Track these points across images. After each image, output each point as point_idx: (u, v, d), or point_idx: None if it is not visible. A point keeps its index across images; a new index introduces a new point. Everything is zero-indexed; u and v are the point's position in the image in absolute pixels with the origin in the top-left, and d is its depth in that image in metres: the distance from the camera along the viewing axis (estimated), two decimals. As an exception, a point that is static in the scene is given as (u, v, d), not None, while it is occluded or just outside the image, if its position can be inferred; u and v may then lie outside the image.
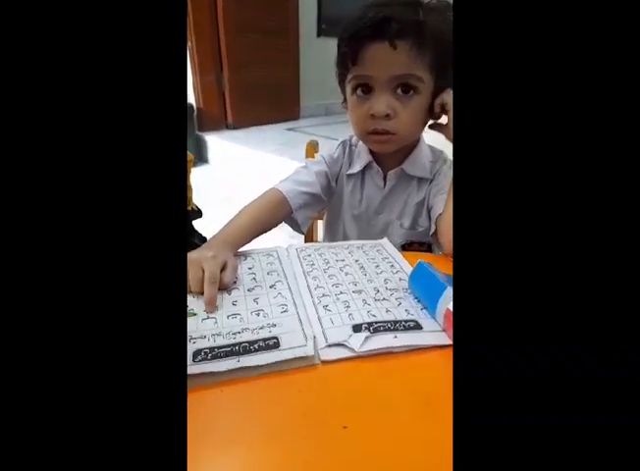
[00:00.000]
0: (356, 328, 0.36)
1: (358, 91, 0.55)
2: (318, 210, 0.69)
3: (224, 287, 0.43)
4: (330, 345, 0.35)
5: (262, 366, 0.32)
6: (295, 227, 0.64)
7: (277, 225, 0.60)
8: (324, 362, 0.33)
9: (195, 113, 2.76)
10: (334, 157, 0.69)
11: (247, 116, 2.96)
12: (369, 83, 0.54)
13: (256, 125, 3.01)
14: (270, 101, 3.07)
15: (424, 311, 0.40)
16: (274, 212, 0.59)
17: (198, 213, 0.81)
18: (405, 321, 0.37)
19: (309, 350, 0.33)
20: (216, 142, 2.73)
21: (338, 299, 0.42)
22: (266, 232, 0.57)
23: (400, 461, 0.25)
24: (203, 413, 0.28)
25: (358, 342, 0.34)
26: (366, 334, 0.35)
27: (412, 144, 0.63)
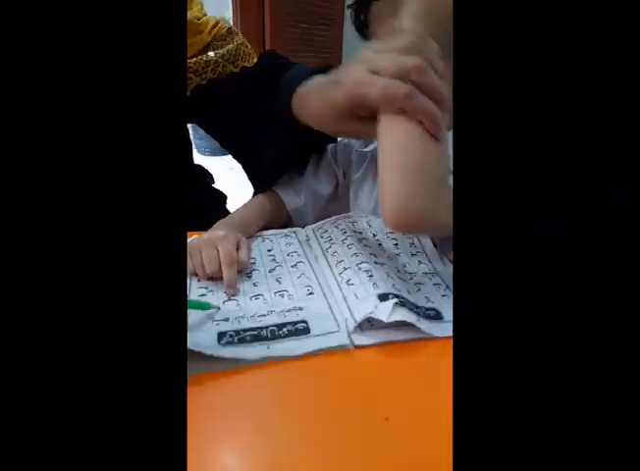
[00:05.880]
0: (383, 297, 0.33)
1: None
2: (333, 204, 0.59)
3: (241, 267, 0.40)
4: (361, 326, 0.32)
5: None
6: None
7: (280, 225, 0.54)
8: (358, 347, 0.31)
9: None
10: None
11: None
12: None
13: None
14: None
15: (444, 298, 0.37)
16: (276, 212, 0.54)
17: (223, 196, 0.78)
18: (427, 308, 0.34)
19: (343, 338, 0.31)
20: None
21: (359, 269, 0.38)
22: (272, 227, 0.52)
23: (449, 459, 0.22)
24: (230, 399, 0.26)
25: (386, 312, 0.31)
26: (394, 301, 0.32)
27: None
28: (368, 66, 0.27)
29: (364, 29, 0.46)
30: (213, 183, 0.79)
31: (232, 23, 2.57)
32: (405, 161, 0.30)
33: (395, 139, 0.31)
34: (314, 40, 2.89)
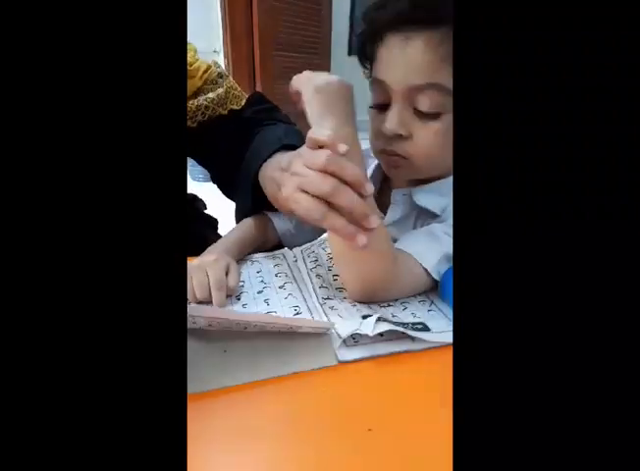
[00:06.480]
0: (365, 317, 0.36)
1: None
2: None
3: (231, 292, 0.42)
4: (345, 342, 0.34)
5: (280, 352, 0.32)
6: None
7: (271, 247, 0.56)
8: (342, 363, 0.32)
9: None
10: None
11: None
12: (387, 92, 0.43)
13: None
14: (301, 117, 3.11)
15: (431, 313, 0.39)
16: (266, 235, 0.56)
17: (215, 222, 0.80)
18: (413, 323, 0.36)
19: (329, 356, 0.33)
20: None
21: (343, 301, 0.41)
22: (262, 249, 0.54)
23: (430, 467, 0.24)
24: (223, 415, 0.28)
25: (370, 327, 0.33)
26: (377, 315, 0.34)
27: (441, 176, 0.47)
28: (297, 182, 0.33)
29: (364, 61, 0.48)
30: (205, 208, 0.81)
31: (222, 53, 2.66)
32: (349, 258, 0.39)
33: (336, 240, 0.39)
34: (301, 69, 2.98)
